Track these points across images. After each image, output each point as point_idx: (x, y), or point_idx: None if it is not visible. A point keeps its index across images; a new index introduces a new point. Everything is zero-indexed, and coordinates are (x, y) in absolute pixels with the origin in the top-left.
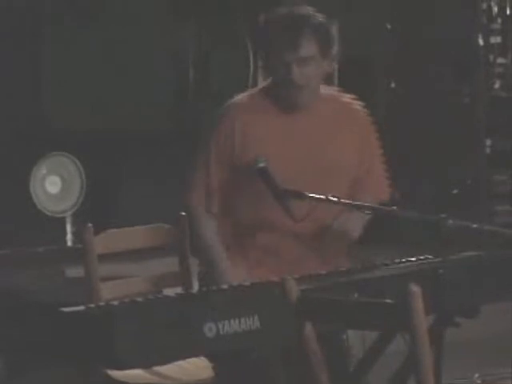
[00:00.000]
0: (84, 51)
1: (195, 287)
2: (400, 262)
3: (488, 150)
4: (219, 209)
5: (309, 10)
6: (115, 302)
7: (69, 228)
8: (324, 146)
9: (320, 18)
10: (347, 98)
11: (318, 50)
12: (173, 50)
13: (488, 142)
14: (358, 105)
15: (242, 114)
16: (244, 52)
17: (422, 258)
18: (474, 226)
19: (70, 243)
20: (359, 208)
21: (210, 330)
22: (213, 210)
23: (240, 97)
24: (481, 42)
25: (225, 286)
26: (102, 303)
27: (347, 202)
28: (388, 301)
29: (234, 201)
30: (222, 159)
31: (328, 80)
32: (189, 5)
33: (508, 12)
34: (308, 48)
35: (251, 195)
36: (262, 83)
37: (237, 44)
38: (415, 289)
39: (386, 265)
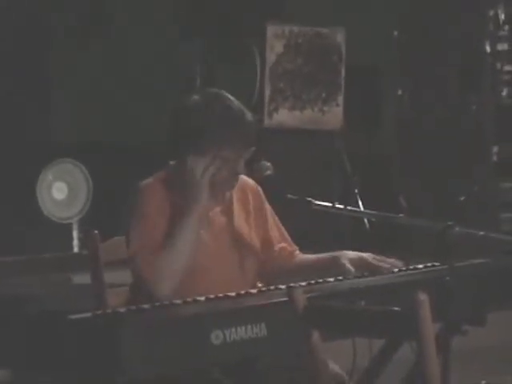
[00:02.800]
0: (90, 63)
1: None
2: (407, 270)
3: (495, 158)
4: None
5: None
6: (122, 309)
7: (75, 234)
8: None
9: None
10: None
11: None
12: (178, 63)
13: (495, 150)
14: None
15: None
16: (250, 66)
17: (428, 265)
18: (481, 233)
19: (76, 250)
20: (364, 215)
21: (216, 337)
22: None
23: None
24: (488, 49)
25: (232, 294)
26: (108, 310)
27: (352, 209)
28: (395, 308)
29: None
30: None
31: (335, 89)
32: (195, 19)
33: None
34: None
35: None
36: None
37: (243, 58)
38: (422, 297)
39: (393, 272)
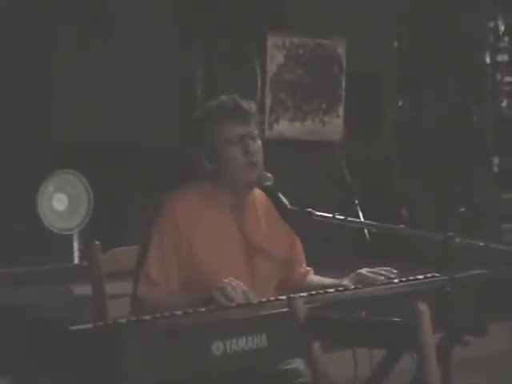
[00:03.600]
0: (90, 69)
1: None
2: (407, 280)
3: (496, 169)
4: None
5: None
6: (123, 320)
7: (76, 245)
8: (257, 235)
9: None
10: None
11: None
12: (180, 66)
13: (496, 161)
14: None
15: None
16: (251, 69)
17: (429, 276)
18: (482, 244)
19: (77, 261)
20: (365, 226)
21: (217, 348)
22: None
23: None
24: (488, 60)
25: (233, 304)
26: (109, 321)
27: (354, 220)
28: (395, 319)
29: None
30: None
31: (335, 100)
32: (196, 22)
33: None
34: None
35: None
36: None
37: (244, 61)
38: (423, 307)
39: (394, 283)
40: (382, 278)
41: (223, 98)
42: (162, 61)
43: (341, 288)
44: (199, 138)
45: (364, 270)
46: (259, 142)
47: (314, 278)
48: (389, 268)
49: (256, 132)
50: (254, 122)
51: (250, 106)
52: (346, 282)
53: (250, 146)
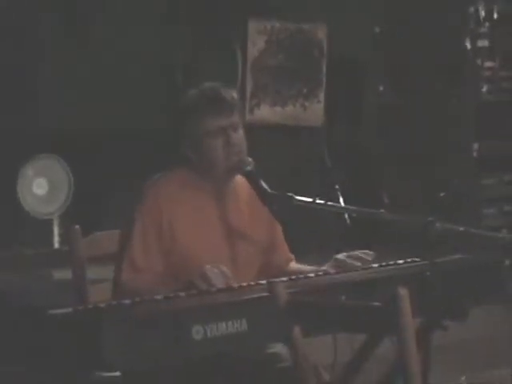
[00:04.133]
0: (72, 53)
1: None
2: (387, 265)
3: (475, 154)
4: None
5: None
6: (102, 304)
7: (56, 230)
8: (239, 221)
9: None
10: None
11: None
12: (161, 52)
13: (476, 146)
14: None
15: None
16: (232, 55)
17: (409, 260)
18: (462, 229)
19: (57, 245)
20: (346, 211)
21: (197, 332)
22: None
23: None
24: (468, 45)
25: (213, 289)
26: (89, 305)
27: (335, 204)
28: (376, 303)
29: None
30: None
31: (316, 85)
32: (177, 8)
33: (495, 16)
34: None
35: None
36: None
37: (225, 47)
38: (403, 292)
39: (374, 267)
40: (359, 264)
41: (205, 86)
42: (144, 48)
43: (321, 272)
44: (181, 129)
45: (341, 255)
46: (241, 132)
47: (295, 265)
48: (366, 251)
49: (238, 122)
50: (237, 111)
51: (232, 94)
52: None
53: (231, 138)
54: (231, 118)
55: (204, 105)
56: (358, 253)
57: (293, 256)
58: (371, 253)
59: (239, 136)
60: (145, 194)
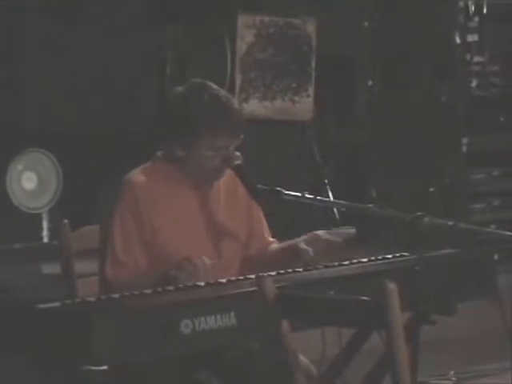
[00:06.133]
0: (61, 49)
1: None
2: (376, 259)
3: (465, 149)
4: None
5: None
6: (91, 299)
7: (45, 224)
8: (221, 215)
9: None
10: None
11: None
12: (151, 49)
13: (465, 141)
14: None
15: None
16: (221, 55)
17: (398, 255)
18: (450, 223)
19: (46, 240)
20: (334, 205)
21: (186, 326)
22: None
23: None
24: (458, 40)
25: (201, 283)
26: (78, 300)
27: (323, 199)
28: (364, 298)
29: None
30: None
31: (305, 79)
32: (167, 7)
33: (485, 10)
34: None
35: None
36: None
37: (214, 46)
38: (391, 286)
39: (363, 262)
40: (339, 240)
41: (219, 94)
42: (133, 43)
43: (309, 267)
44: (177, 127)
45: (321, 233)
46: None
47: (274, 247)
48: (348, 227)
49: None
50: (242, 130)
51: (240, 109)
52: (301, 245)
53: (231, 156)
54: (237, 139)
55: (216, 121)
56: (339, 230)
57: (272, 239)
58: (353, 230)
59: (236, 150)
60: (123, 188)
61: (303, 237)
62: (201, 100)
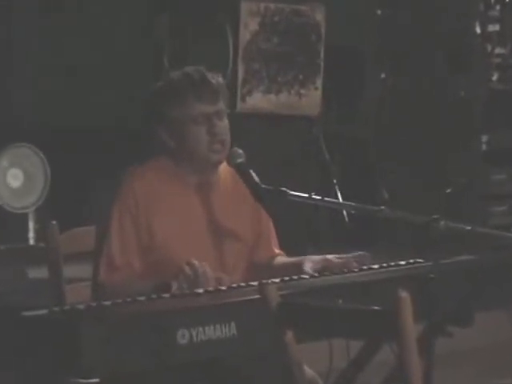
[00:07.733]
0: (51, 43)
1: None
2: (388, 266)
3: (484, 147)
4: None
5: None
6: (81, 306)
7: (31, 225)
8: (224, 216)
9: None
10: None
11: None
12: (148, 41)
13: (484, 139)
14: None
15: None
16: (223, 43)
17: (411, 261)
18: (468, 228)
19: (32, 242)
20: (343, 207)
21: (182, 336)
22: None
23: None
24: (478, 30)
25: (199, 291)
26: (66, 307)
27: (332, 200)
28: (374, 307)
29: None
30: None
31: (313, 71)
32: None
33: None
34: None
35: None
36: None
37: (216, 35)
38: (404, 294)
39: (374, 268)
40: (355, 264)
41: (188, 69)
42: (128, 32)
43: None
44: (160, 113)
45: (333, 258)
46: (226, 121)
47: (280, 259)
48: (363, 252)
49: (223, 109)
50: (223, 98)
51: (218, 80)
52: (306, 268)
53: (216, 126)
54: (217, 105)
55: (188, 88)
56: (353, 256)
57: (279, 251)
58: (368, 255)
59: (224, 125)
60: (120, 188)
61: (313, 257)
62: (173, 77)
